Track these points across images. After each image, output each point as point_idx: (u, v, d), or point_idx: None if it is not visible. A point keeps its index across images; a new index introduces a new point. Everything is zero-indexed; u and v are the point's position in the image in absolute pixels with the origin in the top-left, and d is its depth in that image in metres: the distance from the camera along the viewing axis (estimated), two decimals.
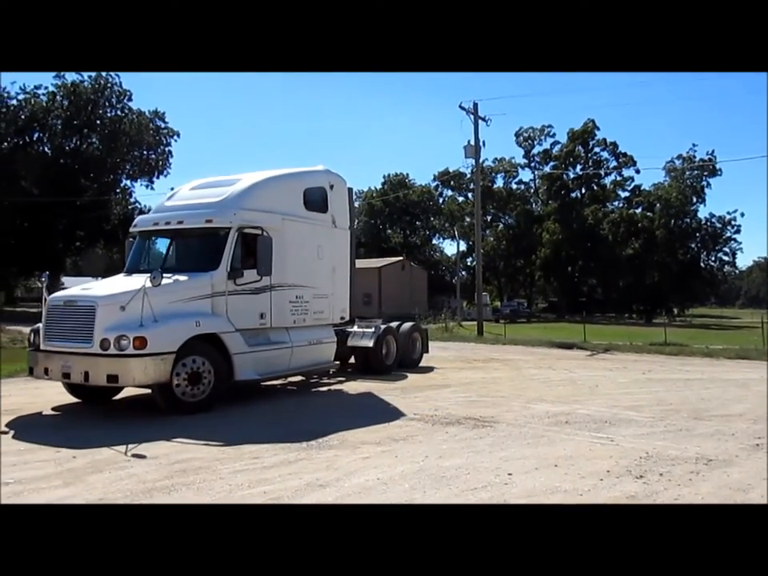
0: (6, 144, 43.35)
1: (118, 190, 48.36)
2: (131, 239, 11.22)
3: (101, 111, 46.50)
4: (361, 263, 59.10)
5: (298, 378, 12.62)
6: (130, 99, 47.63)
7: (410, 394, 11.01)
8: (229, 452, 6.73)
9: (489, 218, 74.50)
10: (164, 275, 9.12)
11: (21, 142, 44.01)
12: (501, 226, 76.68)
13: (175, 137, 49.95)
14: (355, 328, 13.67)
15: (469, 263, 74.50)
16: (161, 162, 49.31)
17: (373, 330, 13.54)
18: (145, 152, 48.54)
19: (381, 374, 13.22)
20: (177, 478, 5.71)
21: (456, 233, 62.12)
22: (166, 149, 49.72)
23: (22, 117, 43.82)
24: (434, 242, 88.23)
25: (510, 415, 8.95)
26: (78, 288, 9.56)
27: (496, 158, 74.29)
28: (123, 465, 6.20)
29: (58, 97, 45.35)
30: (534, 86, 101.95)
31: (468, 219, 70.94)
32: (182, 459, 6.40)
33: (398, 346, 14.17)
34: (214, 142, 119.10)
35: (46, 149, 45.46)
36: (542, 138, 72.72)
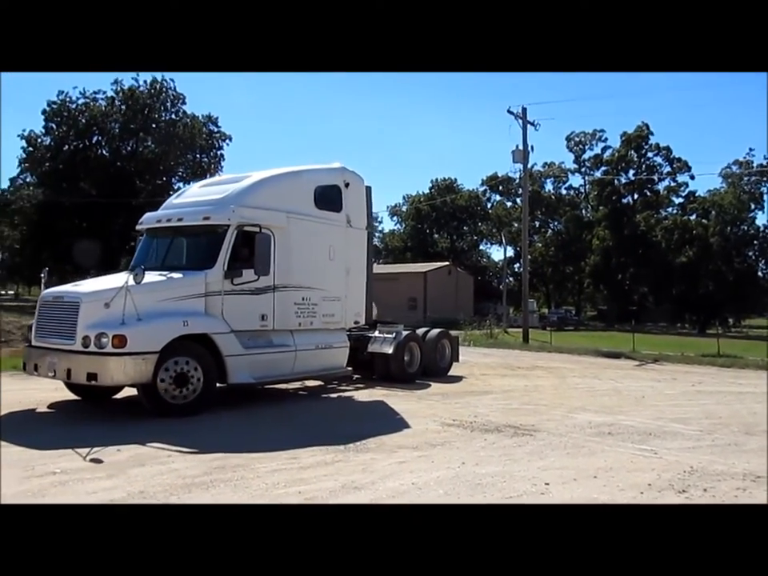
0: (67, 147, 44.93)
1: (171, 192, 49.62)
2: (140, 237, 11.11)
3: (156, 115, 47.77)
4: (406, 267, 59.46)
5: (315, 383, 12.45)
6: (183, 103, 48.79)
7: (450, 400, 10.96)
8: (267, 451, 6.83)
9: (537, 223, 73.54)
10: (163, 273, 9.17)
11: (81, 146, 45.52)
12: (549, 231, 75.57)
13: (227, 140, 50.94)
14: (376, 333, 13.20)
15: (516, 269, 73.60)
16: (213, 165, 50.30)
17: (393, 335, 13.00)
18: (197, 155, 49.62)
19: (403, 382, 12.66)
20: (215, 475, 5.82)
21: (503, 238, 61.44)
22: (218, 152, 50.71)
23: (83, 121, 45.36)
24: (481, 247, 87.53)
25: (551, 424, 8.81)
26: (71, 284, 9.38)
27: (545, 163, 73.29)
28: (164, 460, 6.36)
29: (116, 101, 46.84)
30: (584, 90, 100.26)
31: (516, 224, 70.17)
32: (221, 456, 6.52)
33: (422, 353, 13.55)
34: (264, 145, 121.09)
35: (104, 152, 46.92)
36: (594, 142, 71.37)
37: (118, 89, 46.43)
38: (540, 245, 72.29)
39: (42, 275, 9.91)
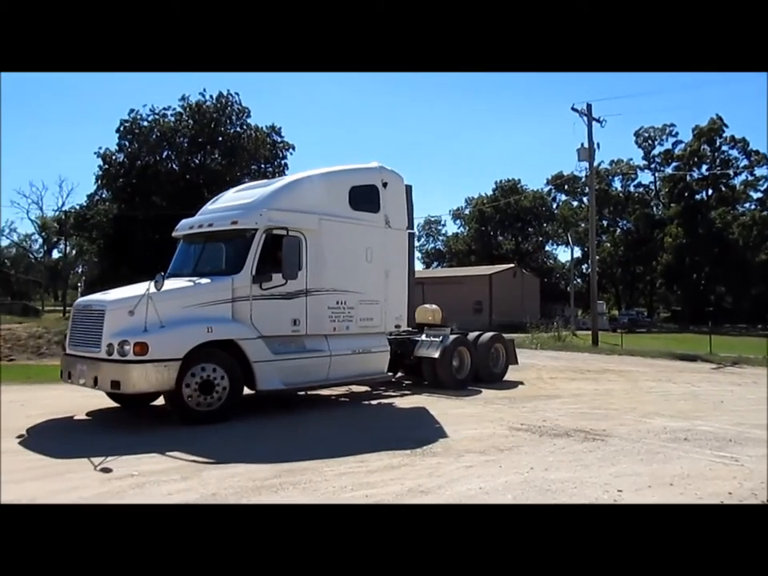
0: (139, 162, 46.83)
1: None
2: (177, 243, 11.04)
3: (222, 128, 49.18)
4: (471, 270, 59.01)
5: (362, 389, 12.31)
6: (248, 116, 50.07)
7: (517, 404, 10.79)
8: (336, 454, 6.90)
9: (605, 222, 71.69)
10: (192, 279, 9.15)
11: (152, 161, 47.35)
12: (618, 230, 73.55)
13: (290, 150, 51.94)
14: (423, 337, 12.86)
15: (584, 270, 71.96)
16: (277, 175, 51.33)
17: (440, 339, 12.58)
18: (262, 165, 50.80)
19: (452, 388, 12.23)
20: (284, 478, 5.92)
21: (570, 239, 60.10)
22: (282, 162, 51.77)
23: (153, 137, 47.22)
24: (546, 248, 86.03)
25: (623, 429, 8.55)
26: (102, 293, 9.34)
27: (612, 161, 71.46)
28: (236, 463, 6.51)
29: (184, 116, 48.52)
30: (652, 84, 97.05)
31: (583, 224, 68.63)
32: (289, 459, 6.63)
33: (472, 358, 13.03)
34: (327, 152, 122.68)
35: (174, 165, 48.65)
36: (664, 137, 69.15)
37: (186, 104, 48.13)
38: (608, 244, 70.44)
39: (79, 285, 9.92)
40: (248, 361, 8.84)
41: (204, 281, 9.16)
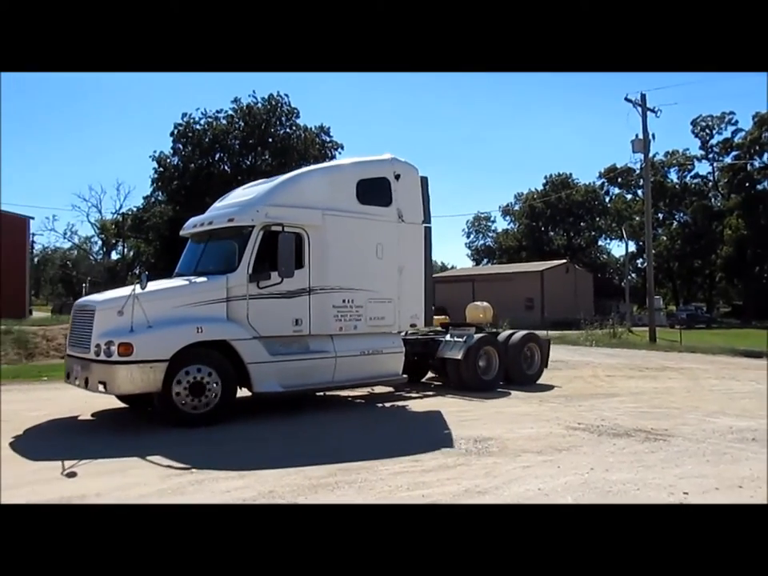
0: (192, 165, 47.95)
1: None
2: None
3: (272, 129, 49.92)
4: (522, 267, 58.27)
5: (385, 390, 11.93)
6: (297, 117, 50.66)
7: (573, 402, 10.57)
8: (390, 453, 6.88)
9: (661, 215, 69.65)
10: (188, 278, 9.02)
11: (205, 163, 48.44)
12: (675, 223, 71.35)
13: (339, 149, 52.28)
14: (447, 337, 12.37)
15: (639, 265, 70.18)
16: None
17: (463, 339, 12.05)
18: (311, 165, 51.32)
19: (478, 390, 11.66)
20: (339, 476, 5.93)
21: (624, 233, 58.60)
22: (331, 161, 52.19)
23: (206, 140, 48.27)
24: (599, 243, 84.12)
25: (687, 429, 8.26)
26: (100, 293, 9.25)
27: (668, 152, 69.33)
28: (293, 461, 6.56)
29: (235, 119, 49.42)
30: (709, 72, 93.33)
31: (637, 218, 66.87)
32: (344, 459, 6.63)
33: (501, 359, 12.39)
34: (376, 150, 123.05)
35: (226, 167, 49.62)
36: (722, 126, 66.70)
37: (237, 106, 49.01)
38: (665, 238, 68.44)
39: (84, 285, 9.71)
40: (243, 362, 8.59)
41: (199, 280, 8.98)
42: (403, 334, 11.70)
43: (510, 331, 13.65)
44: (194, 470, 6.12)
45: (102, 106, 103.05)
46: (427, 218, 11.34)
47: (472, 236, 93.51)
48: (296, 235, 9.34)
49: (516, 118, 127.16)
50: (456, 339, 12.14)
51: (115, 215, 66.75)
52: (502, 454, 6.87)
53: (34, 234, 54.43)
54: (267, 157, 50.28)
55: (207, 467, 6.23)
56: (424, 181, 11.36)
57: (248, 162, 50.18)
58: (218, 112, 49.24)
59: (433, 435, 8.03)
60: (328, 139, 51.95)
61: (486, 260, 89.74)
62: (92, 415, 9.34)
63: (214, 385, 8.32)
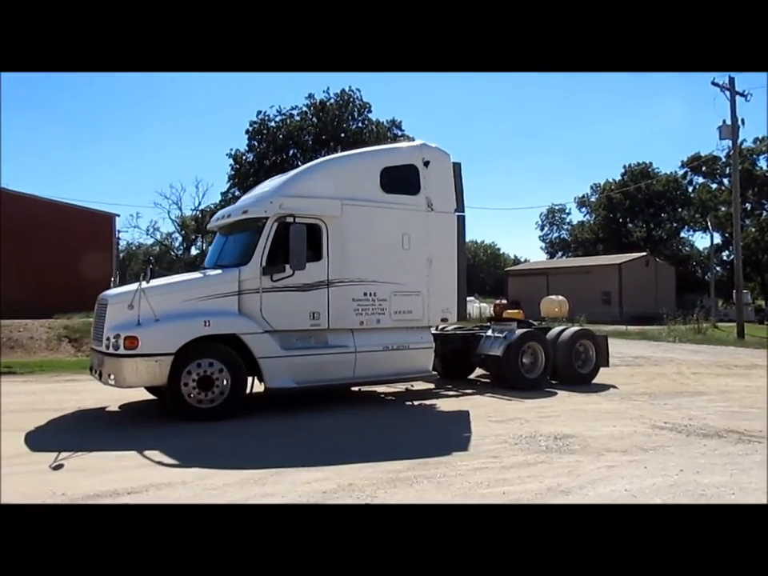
0: (267, 162, 49.03)
1: None
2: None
3: (345, 125, 50.42)
4: (599, 260, 56.65)
5: (422, 386, 11.50)
6: (369, 111, 50.95)
7: (658, 401, 10.15)
8: (470, 449, 6.80)
9: (749, 205, 65.97)
10: (204, 271, 9.05)
11: (279, 159, 49.43)
12: (764, 213, 67.47)
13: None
14: (489, 333, 11.85)
15: (725, 257, 66.81)
16: None
17: (503, 335, 11.51)
18: None
19: (522, 389, 11.03)
20: (418, 471, 5.89)
21: (709, 224, 55.83)
22: None
23: (280, 137, 49.26)
24: (682, 235, 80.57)
25: None
26: (119, 287, 9.09)
27: (757, 138, 65.56)
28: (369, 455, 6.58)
29: (308, 115, 50.18)
30: None
31: (723, 208, 63.64)
32: (424, 453, 6.59)
33: (548, 355, 11.66)
34: (449, 147, 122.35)
35: (299, 163, 50.44)
36: None
37: (311, 103, 49.75)
38: (753, 229, 64.84)
39: (113, 279, 9.54)
40: (253, 357, 8.45)
41: (212, 273, 8.96)
42: (440, 328, 11.42)
43: (562, 327, 12.95)
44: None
45: (181, 106, 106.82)
46: (460, 206, 10.74)
47: (546, 228, 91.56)
48: (313, 226, 9.12)
49: (592, 106, 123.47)
50: (496, 335, 11.62)
51: (194, 212, 69.04)
52: (585, 453, 6.66)
53: (119, 231, 56.97)
54: (340, 152, 50.82)
55: (284, 460, 6.32)
56: (457, 167, 10.79)
57: (319, 158, 50.87)
58: (292, 109, 50.17)
59: (462, 433, 7.88)
60: (400, 133, 51.98)
61: (560, 253, 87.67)
62: (119, 407, 9.48)
63: (224, 379, 8.25)
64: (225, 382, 8.26)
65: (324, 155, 50.15)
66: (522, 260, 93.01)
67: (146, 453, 6.47)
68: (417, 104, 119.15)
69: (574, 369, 12.05)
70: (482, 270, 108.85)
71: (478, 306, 47.59)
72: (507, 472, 5.89)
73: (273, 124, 49.64)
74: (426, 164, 10.19)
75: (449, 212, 10.53)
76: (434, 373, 10.45)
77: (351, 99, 49.83)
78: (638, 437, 7.40)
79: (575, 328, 12.75)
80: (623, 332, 30.04)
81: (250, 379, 8.73)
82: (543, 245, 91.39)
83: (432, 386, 11.79)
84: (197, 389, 8.12)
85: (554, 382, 11.93)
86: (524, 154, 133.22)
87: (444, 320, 10.74)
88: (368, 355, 9.44)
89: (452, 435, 7.75)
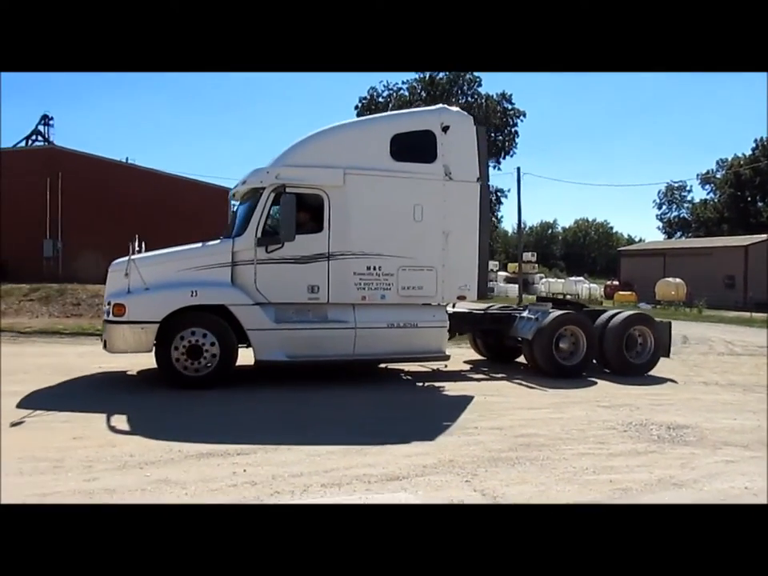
0: None
1: None
2: None
3: (453, 99, 49.78)
4: (722, 240, 53.08)
5: (454, 367, 10.66)
6: (479, 85, 50.00)
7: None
8: (573, 433, 6.60)
9: None
10: (203, 242, 8.90)
11: None
12: None
13: (521, 117, 50.83)
14: (525, 313, 10.96)
15: None
16: (507, 143, 50.71)
17: (535, 317, 10.57)
18: (492, 134, 50.45)
19: (556, 376, 10.07)
20: (521, 452, 5.79)
21: None
22: (512, 129, 50.93)
23: (389, 111, 49.41)
24: None
25: None
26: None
27: None
28: (471, 431, 6.54)
29: (417, 90, 49.95)
30: None
31: None
32: (525, 434, 6.49)
33: (590, 341, 10.51)
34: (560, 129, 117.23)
35: None
36: None
37: (420, 77, 49.45)
38: None
39: (131, 246, 8.95)
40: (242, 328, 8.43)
41: (210, 243, 8.96)
42: (462, 306, 10.78)
43: (615, 310, 11.81)
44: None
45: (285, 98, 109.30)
46: (484, 174, 9.90)
47: (664, 207, 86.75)
48: (313, 197, 8.90)
49: (716, 78, 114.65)
50: (529, 316, 10.71)
51: None
52: (701, 445, 6.28)
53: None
54: None
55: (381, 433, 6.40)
56: (480, 132, 9.99)
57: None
58: (403, 83, 50.13)
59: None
60: (510, 107, 50.72)
61: (679, 233, 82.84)
62: (137, 373, 9.59)
63: (212, 349, 8.30)
64: (213, 352, 8.33)
65: None
66: (637, 240, 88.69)
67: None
68: (527, 77, 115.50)
69: (624, 357, 10.84)
70: (593, 249, 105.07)
71: (587, 287, 46.10)
72: (614, 459, 5.67)
73: (381, 99, 49.81)
74: (445, 129, 9.48)
75: (470, 181, 9.75)
76: (447, 354, 9.75)
77: (461, 73, 49.03)
78: (763, 432, 6.88)
79: (629, 312, 11.52)
80: (747, 319, 28.02)
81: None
82: (660, 224, 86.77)
83: (469, 367, 11.34)
84: (186, 357, 8.24)
85: (607, 371, 10.94)
86: (643, 127, 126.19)
87: (461, 297, 9.92)
88: (369, 332, 9.05)
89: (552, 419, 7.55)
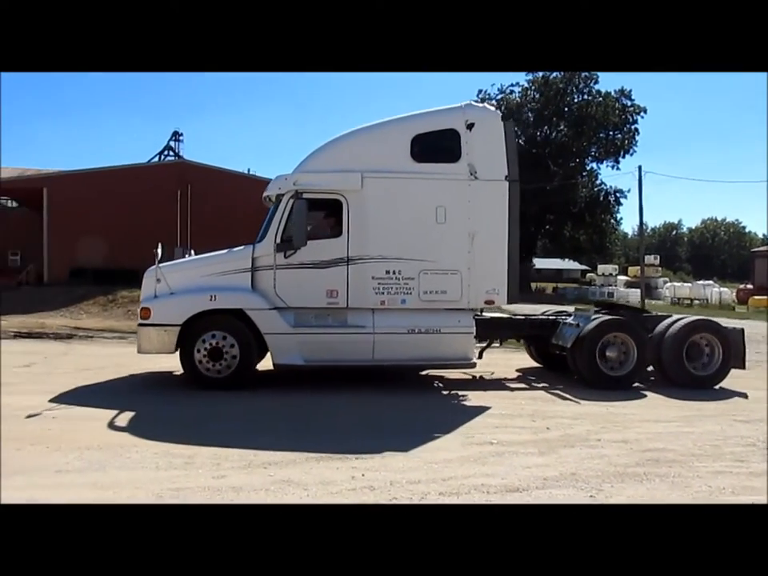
0: None
1: (584, 173, 49.46)
2: None
3: (568, 99, 48.32)
4: None
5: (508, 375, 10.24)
6: (596, 83, 48.15)
7: None
8: (706, 449, 6.18)
9: None
10: (231, 249, 9.16)
11: None
12: None
13: (641, 113, 48.44)
14: (569, 319, 10.22)
15: None
16: (626, 141, 48.47)
17: (576, 323, 9.81)
18: (611, 132, 48.43)
19: (602, 387, 9.25)
20: (649, 467, 5.49)
21: None
22: (632, 127, 48.63)
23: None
24: None
25: None
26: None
27: None
28: (594, 443, 6.30)
29: (529, 91, 48.92)
30: None
31: None
32: (653, 448, 6.16)
33: (641, 350, 9.55)
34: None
35: (520, 141, 49.48)
36: None
37: (533, 78, 48.41)
38: None
39: (156, 252, 9.12)
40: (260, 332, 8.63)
41: (235, 249, 9.20)
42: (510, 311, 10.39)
43: (678, 316, 10.66)
44: (493, 441, 6.22)
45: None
46: (513, 172, 9.37)
47: None
48: (333, 202, 8.91)
49: None
50: (572, 323, 9.98)
51: None
52: None
53: None
54: (563, 127, 48.89)
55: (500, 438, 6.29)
56: (509, 128, 9.57)
57: (542, 134, 49.41)
58: (512, 86, 49.34)
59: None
60: (629, 103, 48.50)
61: None
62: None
63: (232, 351, 8.56)
64: (233, 355, 8.59)
65: (546, 131, 48.98)
66: None
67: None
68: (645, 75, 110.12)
69: (684, 368, 9.74)
70: (723, 251, 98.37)
71: (717, 291, 43.11)
72: (756, 480, 5.24)
73: (494, 102, 49.24)
74: (470, 127, 9.12)
75: (498, 179, 9.30)
76: (473, 361, 9.30)
77: (576, 72, 47.47)
78: None
79: (692, 318, 10.37)
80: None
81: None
82: None
83: (518, 375, 10.72)
84: (207, 358, 8.56)
85: (638, 381, 9.82)
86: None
87: (489, 302, 9.44)
88: (388, 337, 8.85)
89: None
